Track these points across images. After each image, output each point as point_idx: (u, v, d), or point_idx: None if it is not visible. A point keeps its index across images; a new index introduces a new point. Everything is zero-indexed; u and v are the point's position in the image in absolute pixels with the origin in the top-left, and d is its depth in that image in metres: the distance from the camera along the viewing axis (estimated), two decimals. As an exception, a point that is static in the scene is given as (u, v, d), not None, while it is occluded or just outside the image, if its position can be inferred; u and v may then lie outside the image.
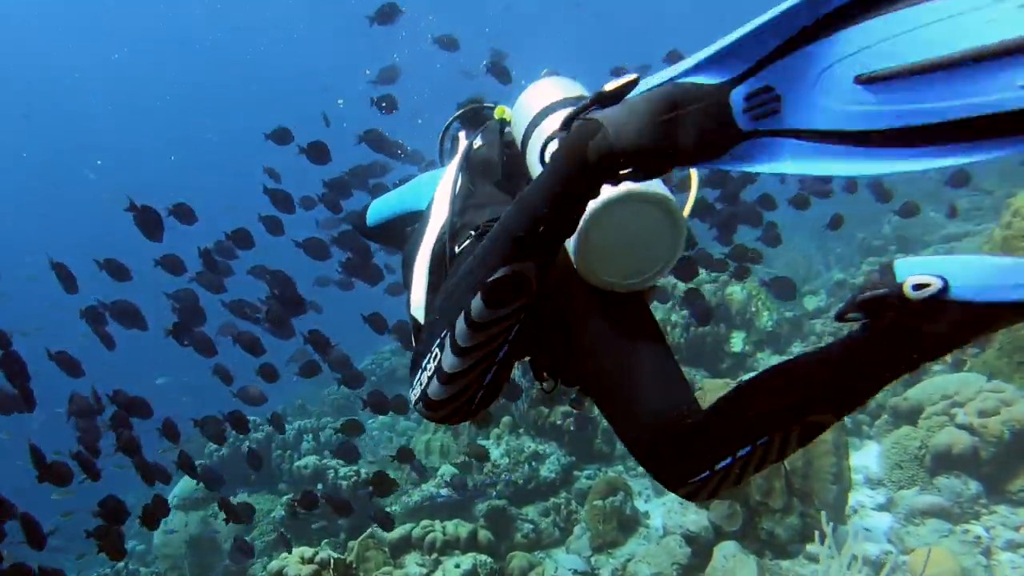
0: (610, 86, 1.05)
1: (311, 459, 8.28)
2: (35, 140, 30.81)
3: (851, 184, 5.83)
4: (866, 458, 5.58)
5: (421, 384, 1.25)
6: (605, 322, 1.35)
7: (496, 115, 1.66)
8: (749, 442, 1.17)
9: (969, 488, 4.65)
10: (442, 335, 1.19)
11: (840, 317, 1.10)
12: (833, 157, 0.97)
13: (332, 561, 4.56)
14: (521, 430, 7.27)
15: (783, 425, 1.15)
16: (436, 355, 1.21)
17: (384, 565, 5.42)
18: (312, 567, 4.52)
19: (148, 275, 5.10)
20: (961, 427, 4.83)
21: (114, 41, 30.56)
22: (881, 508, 5.08)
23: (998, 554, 4.26)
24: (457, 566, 5.37)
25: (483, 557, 5.46)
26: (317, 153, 5.12)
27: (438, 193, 1.63)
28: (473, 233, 1.42)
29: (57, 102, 31.57)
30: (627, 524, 5.67)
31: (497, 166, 1.46)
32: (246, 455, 5.40)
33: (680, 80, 1.03)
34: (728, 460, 1.18)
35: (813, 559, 4.51)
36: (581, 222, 1.22)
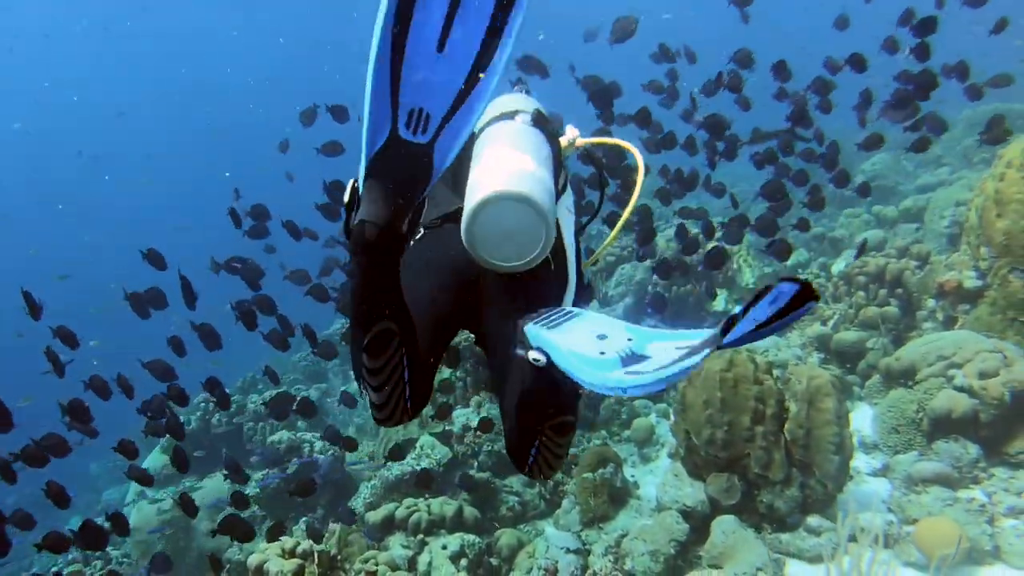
0: (347, 196, 1.37)
1: (285, 434, 7.97)
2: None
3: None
4: (858, 421, 5.45)
5: (366, 397, 1.55)
6: (499, 303, 1.67)
7: None
8: (531, 445, 1.53)
9: (969, 452, 4.55)
10: (357, 368, 1.50)
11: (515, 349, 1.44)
12: (476, 100, 1.26)
13: (316, 554, 4.31)
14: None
15: (535, 434, 1.52)
16: (362, 377, 1.50)
17: (367, 549, 5.19)
18: (295, 561, 4.26)
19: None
20: (960, 389, 4.71)
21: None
22: (877, 473, 4.98)
23: (1001, 521, 4.18)
24: (444, 547, 5.16)
25: (471, 537, 5.25)
26: None
27: None
28: (423, 230, 1.76)
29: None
30: (618, 497, 5.50)
31: (448, 170, 1.60)
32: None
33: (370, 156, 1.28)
34: (531, 457, 1.55)
35: (813, 532, 4.40)
36: (467, 216, 1.49)
